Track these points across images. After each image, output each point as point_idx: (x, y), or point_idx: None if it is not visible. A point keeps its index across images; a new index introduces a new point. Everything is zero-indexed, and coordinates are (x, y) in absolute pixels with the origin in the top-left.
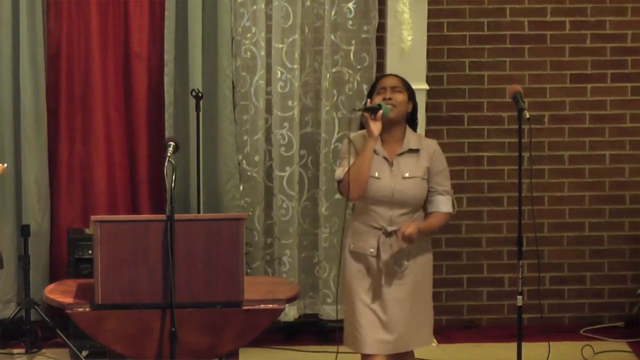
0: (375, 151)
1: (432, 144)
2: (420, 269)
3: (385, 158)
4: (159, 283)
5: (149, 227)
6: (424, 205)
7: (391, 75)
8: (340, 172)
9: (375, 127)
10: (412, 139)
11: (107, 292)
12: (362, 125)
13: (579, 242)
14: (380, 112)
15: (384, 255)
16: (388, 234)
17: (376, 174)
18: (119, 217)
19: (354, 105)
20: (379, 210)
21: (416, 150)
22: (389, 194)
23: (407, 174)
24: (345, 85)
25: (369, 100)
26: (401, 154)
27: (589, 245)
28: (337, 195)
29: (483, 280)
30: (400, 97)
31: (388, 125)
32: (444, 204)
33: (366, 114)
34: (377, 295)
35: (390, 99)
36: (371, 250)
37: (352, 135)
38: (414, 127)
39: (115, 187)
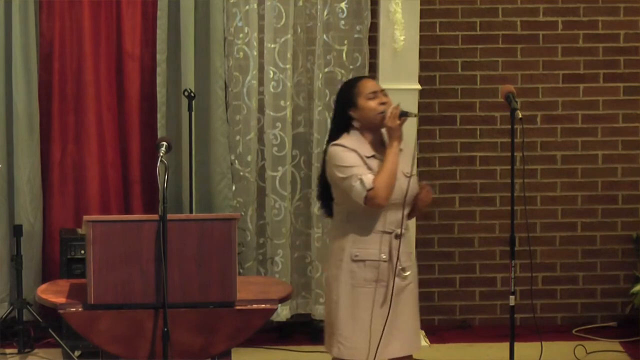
0: (374, 156)
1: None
2: (413, 268)
3: (381, 160)
4: (151, 283)
5: (142, 227)
6: None
7: (367, 78)
8: (368, 180)
9: (400, 132)
10: None
11: (99, 292)
12: (333, 135)
13: (571, 242)
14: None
15: (395, 259)
16: (398, 237)
17: None
18: (111, 217)
19: (410, 114)
20: (390, 213)
21: (400, 149)
22: (401, 194)
23: (407, 172)
24: (337, 85)
25: (397, 105)
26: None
27: (582, 245)
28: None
29: (476, 280)
30: (390, 99)
31: (374, 129)
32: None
33: (393, 124)
34: (387, 300)
35: (385, 103)
36: (382, 255)
37: (343, 142)
38: None
39: (108, 187)
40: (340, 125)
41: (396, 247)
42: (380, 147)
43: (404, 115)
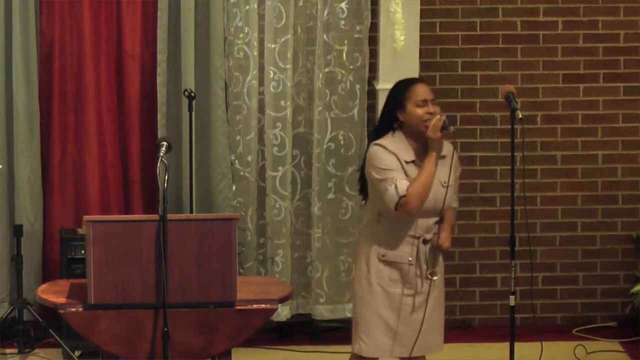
0: (414, 162)
1: (451, 148)
2: (442, 275)
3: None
4: (151, 283)
5: (142, 227)
6: None
7: (419, 82)
8: (403, 187)
9: (441, 143)
10: None
11: (99, 292)
12: (377, 132)
13: (571, 242)
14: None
15: (422, 263)
16: (426, 242)
17: None
18: (111, 217)
19: (449, 128)
20: (419, 219)
21: (444, 157)
22: (433, 203)
23: (444, 182)
24: (337, 85)
25: (440, 117)
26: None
27: (582, 245)
28: (330, 195)
29: (476, 280)
30: (438, 109)
31: (419, 135)
32: (455, 201)
33: (436, 136)
34: (408, 302)
35: (433, 113)
36: (409, 259)
37: (385, 143)
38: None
39: (108, 187)
40: (387, 124)
41: (424, 252)
42: (423, 154)
43: (444, 128)
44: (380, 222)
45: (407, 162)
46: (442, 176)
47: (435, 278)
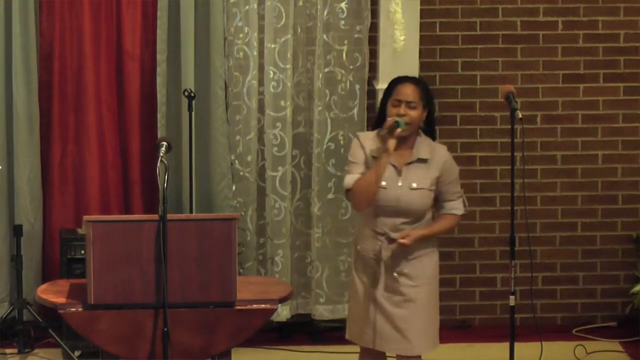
0: None
1: (443, 153)
2: (419, 274)
3: (394, 166)
4: (151, 283)
5: (142, 227)
6: (434, 208)
7: (408, 82)
8: (350, 181)
9: (392, 143)
10: (424, 147)
11: (99, 292)
12: (375, 125)
13: (571, 242)
14: (398, 130)
15: (385, 261)
16: (390, 240)
17: (384, 183)
18: (111, 217)
19: (391, 133)
20: (384, 217)
21: (425, 160)
22: (395, 203)
23: (414, 185)
24: (337, 85)
25: (393, 118)
26: (410, 163)
27: (582, 245)
28: (330, 195)
29: (476, 280)
30: (414, 114)
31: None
32: (455, 208)
33: (384, 134)
34: (371, 294)
35: (404, 115)
36: (373, 254)
37: (362, 135)
38: (431, 132)
39: (108, 187)
40: (379, 117)
41: (388, 249)
42: (403, 152)
43: (389, 130)
44: (358, 216)
45: (374, 157)
46: (414, 179)
47: (400, 277)
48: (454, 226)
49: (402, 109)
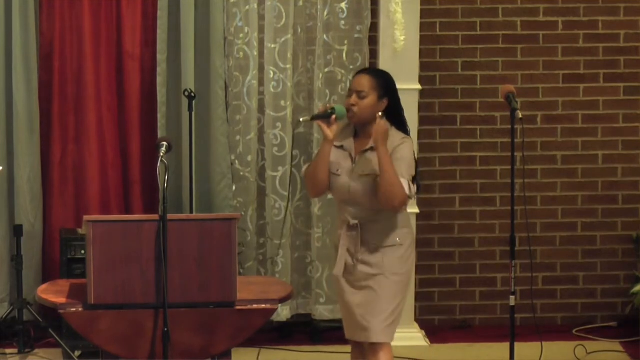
0: (342, 147)
1: (396, 140)
2: (380, 265)
3: (350, 154)
4: (151, 283)
5: (142, 227)
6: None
7: (362, 73)
8: (304, 168)
9: (330, 131)
10: None
11: (99, 292)
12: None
13: (571, 242)
14: (334, 116)
15: (346, 247)
16: (350, 227)
17: (337, 171)
18: (111, 217)
19: (314, 119)
20: (345, 205)
21: (372, 149)
22: (346, 191)
23: (364, 171)
24: (337, 85)
25: (322, 105)
26: (365, 151)
27: (582, 245)
28: (330, 196)
29: (476, 280)
30: (365, 103)
31: (362, 124)
32: (399, 186)
33: (318, 122)
34: (343, 285)
35: (353, 105)
36: (337, 240)
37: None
38: (398, 121)
39: (108, 187)
40: None
41: (348, 237)
42: (360, 140)
43: (317, 118)
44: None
45: (336, 147)
46: (366, 166)
47: (355, 262)
48: (400, 198)
49: (353, 99)
